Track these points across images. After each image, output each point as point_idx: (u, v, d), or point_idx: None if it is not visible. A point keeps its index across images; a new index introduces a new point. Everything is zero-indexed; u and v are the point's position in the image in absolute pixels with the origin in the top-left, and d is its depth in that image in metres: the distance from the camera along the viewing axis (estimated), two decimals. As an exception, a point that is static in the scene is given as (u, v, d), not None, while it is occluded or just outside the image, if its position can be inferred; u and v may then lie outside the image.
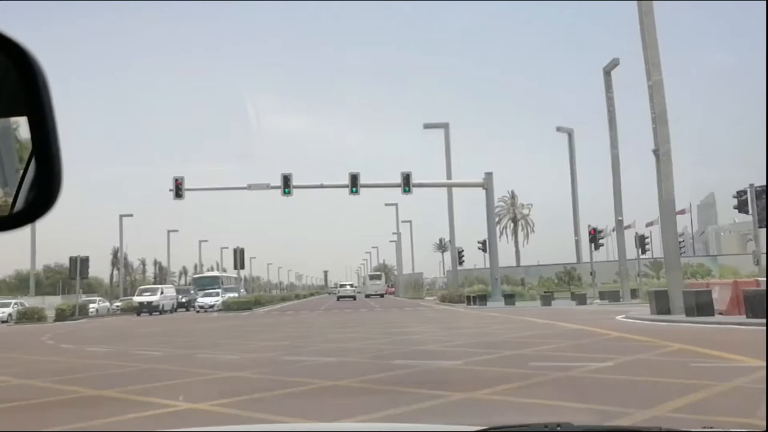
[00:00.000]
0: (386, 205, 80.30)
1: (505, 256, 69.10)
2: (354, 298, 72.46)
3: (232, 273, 70.18)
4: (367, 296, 79.17)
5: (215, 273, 73.55)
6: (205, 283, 61.67)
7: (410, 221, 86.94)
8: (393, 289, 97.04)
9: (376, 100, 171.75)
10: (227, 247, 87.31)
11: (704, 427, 2.68)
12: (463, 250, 57.57)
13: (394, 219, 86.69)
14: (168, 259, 79.29)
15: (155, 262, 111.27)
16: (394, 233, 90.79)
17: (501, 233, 78.36)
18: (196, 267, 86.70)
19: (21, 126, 1.41)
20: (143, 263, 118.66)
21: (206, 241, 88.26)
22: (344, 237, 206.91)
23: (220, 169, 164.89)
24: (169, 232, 74.01)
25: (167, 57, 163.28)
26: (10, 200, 1.47)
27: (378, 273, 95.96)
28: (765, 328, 13.72)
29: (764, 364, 8.53)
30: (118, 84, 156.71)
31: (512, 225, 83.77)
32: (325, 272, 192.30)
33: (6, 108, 1.42)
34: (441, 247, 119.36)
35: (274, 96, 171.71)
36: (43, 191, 1.39)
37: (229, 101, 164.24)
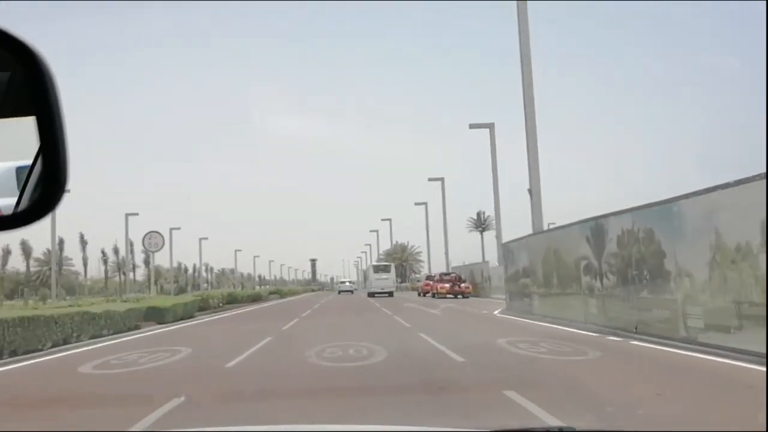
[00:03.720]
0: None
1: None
2: (352, 292, 71.81)
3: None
4: (371, 295, 54.02)
5: None
6: None
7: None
8: (466, 287, 44.48)
9: (382, 100, 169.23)
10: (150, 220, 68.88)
11: (705, 429, 2.68)
12: None
13: (396, 197, 61.97)
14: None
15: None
16: (433, 180, 60.78)
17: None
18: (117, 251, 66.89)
19: (28, 125, 1.42)
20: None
21: (136, 214, 56.95)
22: (337, 219, 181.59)
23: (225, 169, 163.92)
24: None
25: (170, 57, 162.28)
26: (16, 198, 1.49)
27: (386, 263, 64.98)
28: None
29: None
30: (119, 81, 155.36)
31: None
32: (313, 261, 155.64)
33: (14, 107, 1.44)
34: (480, 223, 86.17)
35: (279, 96, 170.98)
36: (48, 190, 1.41)
37: (233, 100, 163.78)
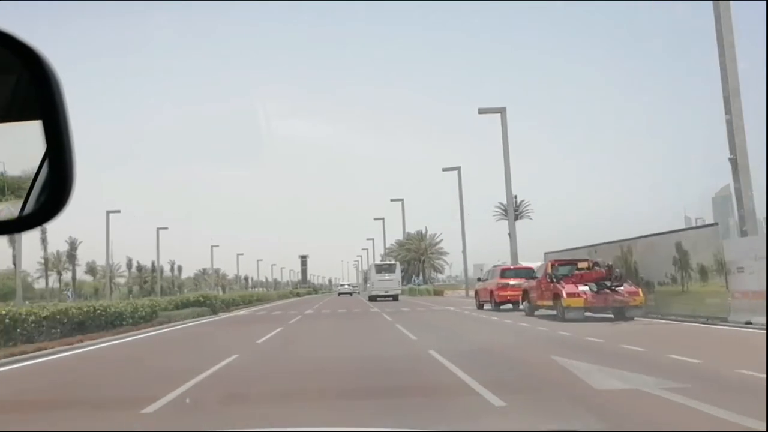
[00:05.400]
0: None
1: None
2: (351, 294, 72.06)
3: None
4: (372, 299, 47.85)
5: None
6: None
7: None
8: (633, 293, 19.07)
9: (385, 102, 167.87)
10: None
11: (705, 429, 2.68)
12: None
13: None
14: None
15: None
16: (485, 112, 36.82)
17: None
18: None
19: (34, 129, 1.42)
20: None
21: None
22: (338, 219, 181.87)
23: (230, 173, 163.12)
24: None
25: (176, 60, 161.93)
26: (22, 202, 1.49)
27: (389, 263, 54.89)
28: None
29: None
30: (126, 86, 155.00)
31: None
32: (303, 258, 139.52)
33: (20, 111, 1.44)
34: (513, 210, 58.68)
35: (284, 100, 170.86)
36: (54, 194, 1.40)
37: (239, 104, 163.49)
